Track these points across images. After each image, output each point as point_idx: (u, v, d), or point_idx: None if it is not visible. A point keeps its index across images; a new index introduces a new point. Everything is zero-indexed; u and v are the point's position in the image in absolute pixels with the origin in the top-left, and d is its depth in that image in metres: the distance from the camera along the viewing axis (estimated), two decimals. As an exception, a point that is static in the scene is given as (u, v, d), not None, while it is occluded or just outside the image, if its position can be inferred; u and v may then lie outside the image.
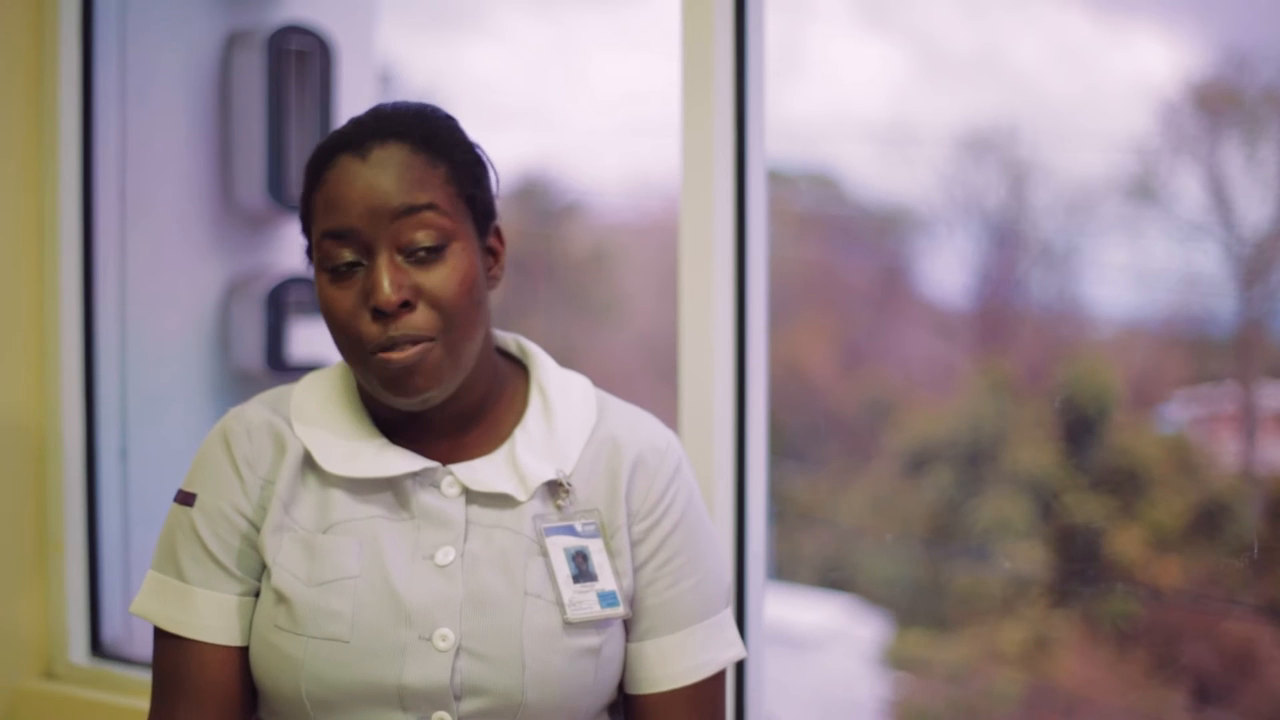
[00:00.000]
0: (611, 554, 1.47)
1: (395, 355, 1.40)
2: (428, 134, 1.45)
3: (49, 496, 2.44)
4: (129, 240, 2.52)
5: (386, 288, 1.39)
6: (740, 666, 1.93)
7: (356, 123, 1.47)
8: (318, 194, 1.44)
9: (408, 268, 1.41)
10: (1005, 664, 2.12)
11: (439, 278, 1.41)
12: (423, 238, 1.41)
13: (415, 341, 1.40)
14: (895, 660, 2.31)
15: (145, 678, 1.51)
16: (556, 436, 1.49)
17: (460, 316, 1.42)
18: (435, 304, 1.41)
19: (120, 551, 2.50)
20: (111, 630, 2.49)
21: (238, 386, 2.60)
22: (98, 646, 2.47)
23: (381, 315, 1.40)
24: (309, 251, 1.49)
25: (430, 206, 1.42)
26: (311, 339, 2.59)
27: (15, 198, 2.43)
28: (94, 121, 2.46)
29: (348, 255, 1.42)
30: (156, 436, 2.53)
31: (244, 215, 2.62)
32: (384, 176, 1.41)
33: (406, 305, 1.40)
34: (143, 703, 1.50)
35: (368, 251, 1.41)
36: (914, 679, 2.31)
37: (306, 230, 1.48)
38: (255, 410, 1.51)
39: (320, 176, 1.44)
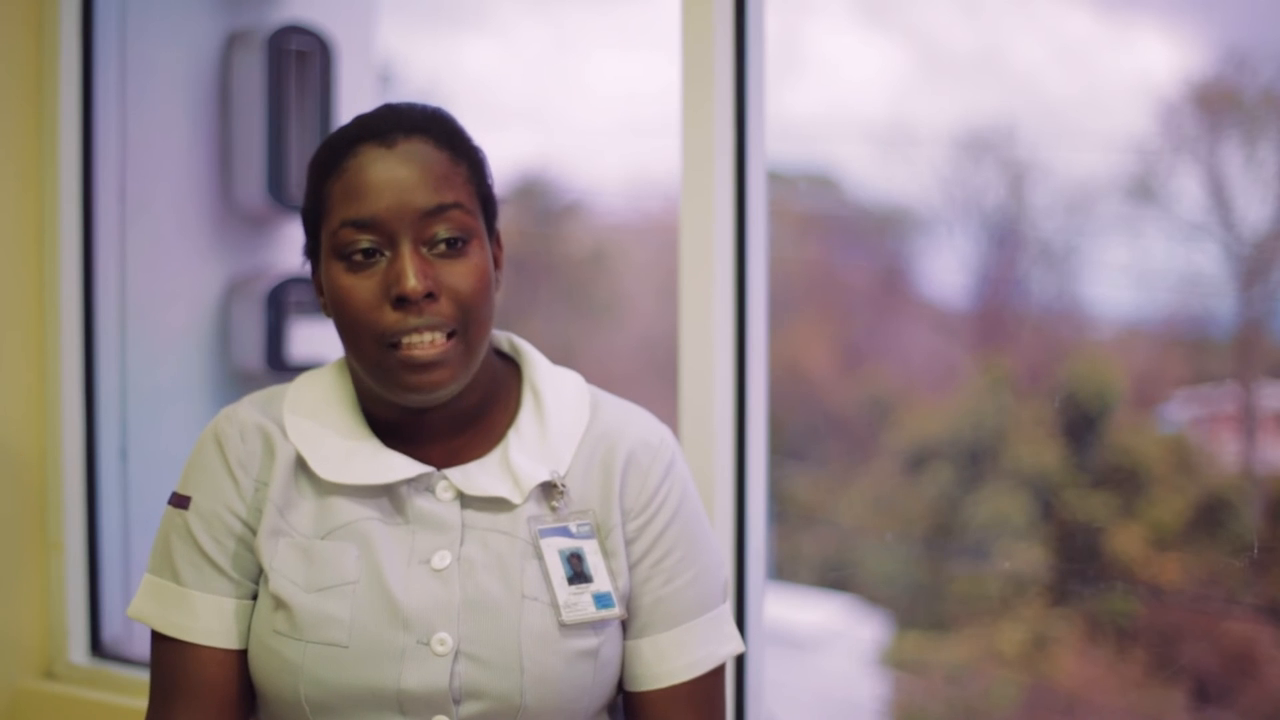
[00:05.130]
0: (607, 554, 1.47)
1: (419, 350, 1.39)
2: (449, 132, 1.46)
3: (49, 496, 2.44)
4: (129, 240, 2.52)
5: (412, 278, 1.38)
6: (740, 667, 1.92)
7: (373, 115, 1.46)
8: (335, 183, 1.42)
9: (431, 259, 1.41)
10: (1005, 663, 2.12)
11: (460, 272, 1.41)
12: (447, 232, 1.41)
13: (437, 330, 1.39)
14: (895, 660, 2.31)
15: (145, 678, 1.51)
16: (550, 437, 1.48)
17: (478, 312, 1.42)
18: (456, 298, 1.41)
19: (120, 552, 2.50)
20: (111, 630, 2.49)
21: (238, 386, 2.60)
22: (97, 646, 2.47)
23: (404, 304, 1.39)
24: (311, 250, 1.48)
25: (457, 205, 1.42)
26: (311, 339, 2.59)
27: (15, 198, 2.42)
28: (94, 121, 2.46)
29: (367, 243, 1.40)
30: (156, 436, 2.53)
31: (244, 215, 2.62)
32: (410, 169, 1.41)
33: (430, 296, 1.39)
34: (143, 703, 1.50)
35: (390, 241, 1.40)
36: (914, 679, 2.30)
37: (315, 223, 1.46)
38: (247, 411, 1.50)
39: (339, 165, 1.43)
